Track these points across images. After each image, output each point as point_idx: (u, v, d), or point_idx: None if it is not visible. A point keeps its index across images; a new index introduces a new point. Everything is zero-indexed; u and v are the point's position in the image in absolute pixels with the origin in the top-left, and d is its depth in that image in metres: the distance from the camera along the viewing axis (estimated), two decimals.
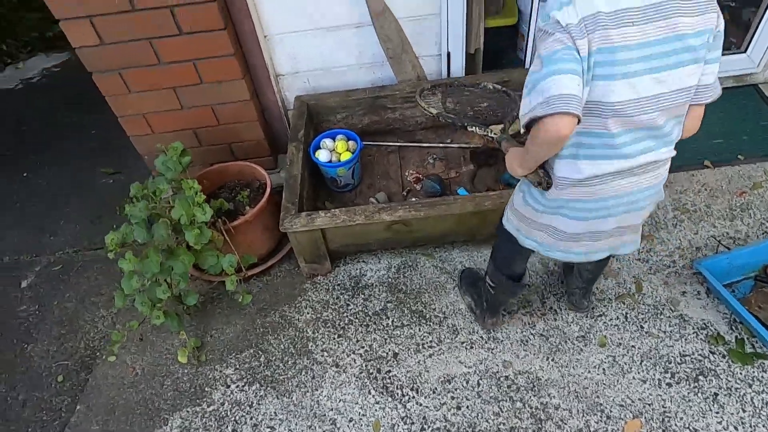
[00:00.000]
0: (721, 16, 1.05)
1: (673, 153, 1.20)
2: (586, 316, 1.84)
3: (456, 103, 1.57)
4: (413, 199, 2.13)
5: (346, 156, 2.12)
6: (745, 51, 2.35)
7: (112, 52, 1.96)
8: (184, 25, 1.91)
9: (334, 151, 2.16)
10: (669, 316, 1.80)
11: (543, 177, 1.23)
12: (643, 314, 1.82)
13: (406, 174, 2.25)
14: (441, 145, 2.34)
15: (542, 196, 1.28)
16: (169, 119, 2.21)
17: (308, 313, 1.99)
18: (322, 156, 2.12)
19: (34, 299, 2.31)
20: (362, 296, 2.01)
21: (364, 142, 2.25)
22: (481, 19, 2.23)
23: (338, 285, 2.06)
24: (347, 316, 1.96)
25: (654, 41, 1.01)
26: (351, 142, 2.20)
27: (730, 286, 1.84)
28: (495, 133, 1.44)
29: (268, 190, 2.05)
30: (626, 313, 1.83)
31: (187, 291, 1.86)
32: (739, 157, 2.24)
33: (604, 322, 1.82)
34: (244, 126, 2.27)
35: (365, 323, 1.93)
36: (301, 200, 1.94)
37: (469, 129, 1.54)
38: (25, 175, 3.06)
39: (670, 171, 2.20)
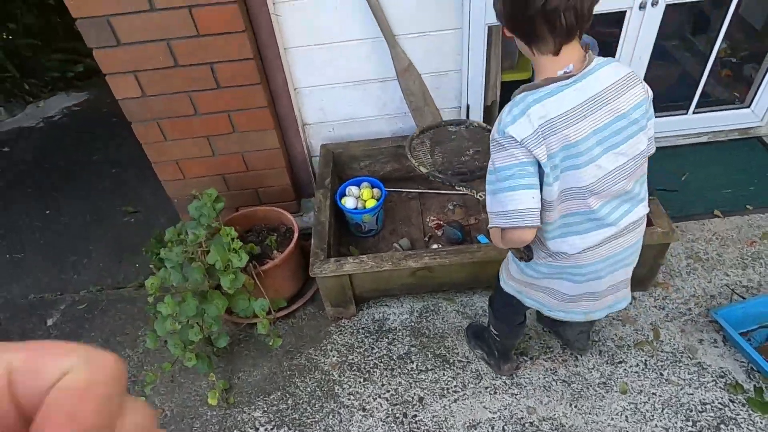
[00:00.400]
0: (646, 84, 1.17)
1: (647, 209, 1.30)
2: (607, 363, 1.89)
3: (443, 153, 1.67)
4: (435, 246, 2.20)
5: (371, 203, 2.21)
6: (749, 106, 2.48)
7: (153, 104, 2.07)
8: (222, 80, 2.02)
9: (359, 198, 2.25)
10: (687, 364, 1.85)
11: (523, 252, 1.34)
12: (662, 361, 1.87)
13: (428, 220, 2.33)
14: (460, 192, 2.42)
15: (540, 265, 1.36)
16: (201, 165, 2.30)
17: (334, 356, 2.04)
18: (348, 203, 2.21)
19: (59, 338, 2.33)
20: (386, 340, 2.06)
21: (387, 189, 2.34)
22: (498, 74, 2.36)
23: (362, 328, 2.11)
24: (372, 360, 2.00)
25: (604, 125, 1.12)
26: (375, 190, 2.29)
27: (746, 334, 1.89)
28: (480, 195, 1.56)
29: (296, 235, 2.12)
30: (646, 360, 1.88)
31: (218, 333, 1.91)
32: (748, 207, 2.33)
33: (624, 369, 1.86)
34: (271, 172, 2.36)
35: (390, 367, 1.97)
36: (329, 246, 2.01)
37: (457, 188, 1.65)
38: (47, 212, 3.13)
39: (681, 220, 2.31)
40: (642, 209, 1.28)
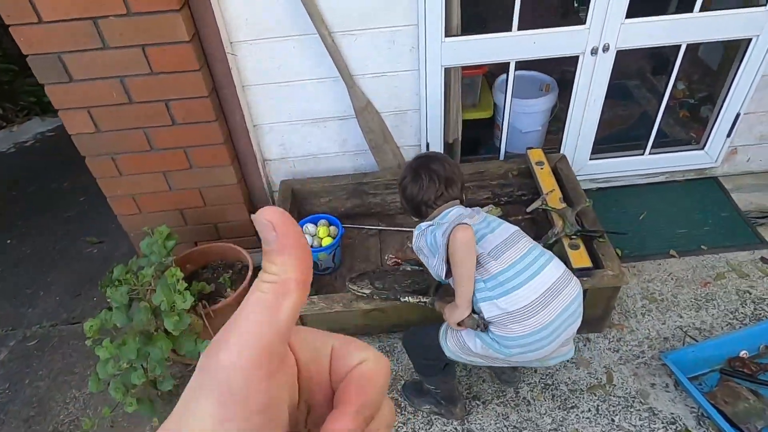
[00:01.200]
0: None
1: (561, 268, 1.53)
2: (559, 408, 1.87)
3: (383, 283, 1.83)
4: None
5: (327, 241, 2.20)
6: (703, 147, 2.53)
7: (107, 139, 2.06)
8: (178, 117, 2.02)
9: (315, 236, 2.23)
10: (639, 410, 1.83)
11: (479, 320, 1.48)
12: (614, 407, 1.85)
13: (386, 258, 2.32)
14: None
15: (507, 339, 1.46)
16: (157, 200, 2.28)
17: None
18: None
19: (5, 377, 2.27)
20: None
21: (346, 225, 2.33)
22: (459, 113, 2.39)
23: None
24: None
25: (475, 224, 1.52)
26: (332, 227, 2.28)
27: (698, 378, 1.89)
28: (426, 299, 1.74)
29: (250, 273, 2.09)
30: (598, 405, 1.86)
31: (163, 376, 1.85)
32: (702, 247, 2.35)
33: (576, 415, 1.84)
34: (229, 207, 2.34)
35: None
36: None
37: (402, 300, 1.79)
38: (9, 241, 3.07)
39: (638, 259, 2.32)
40: (554, 269, 1.51)
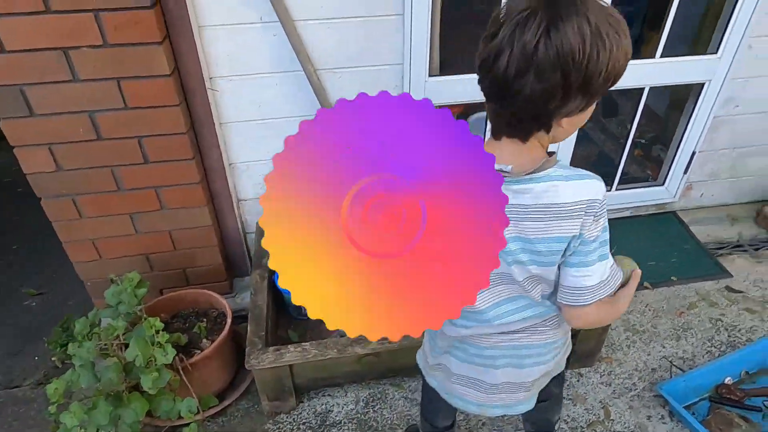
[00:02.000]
0: (588, 221, 0.94)
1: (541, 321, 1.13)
2: None
3: None
4: None
5: None
6: (662, 184, 2.68)
7: (69, 179, 1.87)
8: (152, 155, 1.88)
9: None
10: None
11: None
12: None
13: None
14: None
15: (437, 337, 1.27)
16: (121, 245, 2.09)
17: None
18: None
19: None
20: None
21: None
22: None
23: (303, 424, 1.92)
24: None
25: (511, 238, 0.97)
26: None
27: (690, 407, 1.92)
28: None
29: (229, 321, 1.93)
30: None
31: None
32: (672, 278, 2.45)
33: None
34: (202, 251, 2.19)
35: None
36: (266, 333, 1.85)
37: None
38: None
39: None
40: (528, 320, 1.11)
